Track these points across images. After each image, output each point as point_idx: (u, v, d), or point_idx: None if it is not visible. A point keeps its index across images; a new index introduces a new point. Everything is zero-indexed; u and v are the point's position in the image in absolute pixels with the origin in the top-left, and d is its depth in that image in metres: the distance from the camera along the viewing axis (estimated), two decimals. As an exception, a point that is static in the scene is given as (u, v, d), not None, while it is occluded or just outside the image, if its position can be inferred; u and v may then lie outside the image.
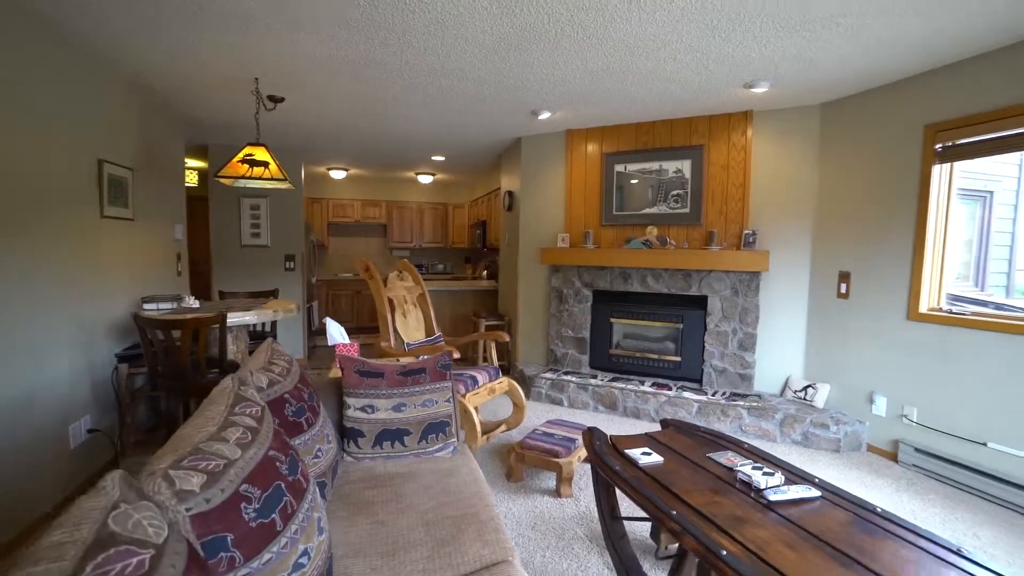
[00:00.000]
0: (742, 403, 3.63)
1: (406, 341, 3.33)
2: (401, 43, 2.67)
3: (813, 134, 3.66)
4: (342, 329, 2.79)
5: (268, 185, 3.14)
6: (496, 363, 3.50)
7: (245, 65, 2.97)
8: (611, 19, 2.38)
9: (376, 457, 1.95)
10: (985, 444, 2.71)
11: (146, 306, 3.07)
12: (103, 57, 2.83)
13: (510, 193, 5.14)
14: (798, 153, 3.71)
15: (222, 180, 3.06)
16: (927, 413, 2.99)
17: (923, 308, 3.02)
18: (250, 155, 3.08)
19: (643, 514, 2.23)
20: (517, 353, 4.97)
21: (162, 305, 3.12)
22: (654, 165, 4.19)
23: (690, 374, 4.16)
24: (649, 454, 1.97)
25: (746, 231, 3.82)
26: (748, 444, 2.09)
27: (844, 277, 3.48)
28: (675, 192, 4.13)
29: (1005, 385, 2.64)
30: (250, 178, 3.05)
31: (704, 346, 4.06)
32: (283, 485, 1.09)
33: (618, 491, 1.91)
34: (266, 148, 3.15)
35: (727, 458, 1.95)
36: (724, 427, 3.61)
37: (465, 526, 1.52)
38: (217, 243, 5.26)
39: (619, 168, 4.33)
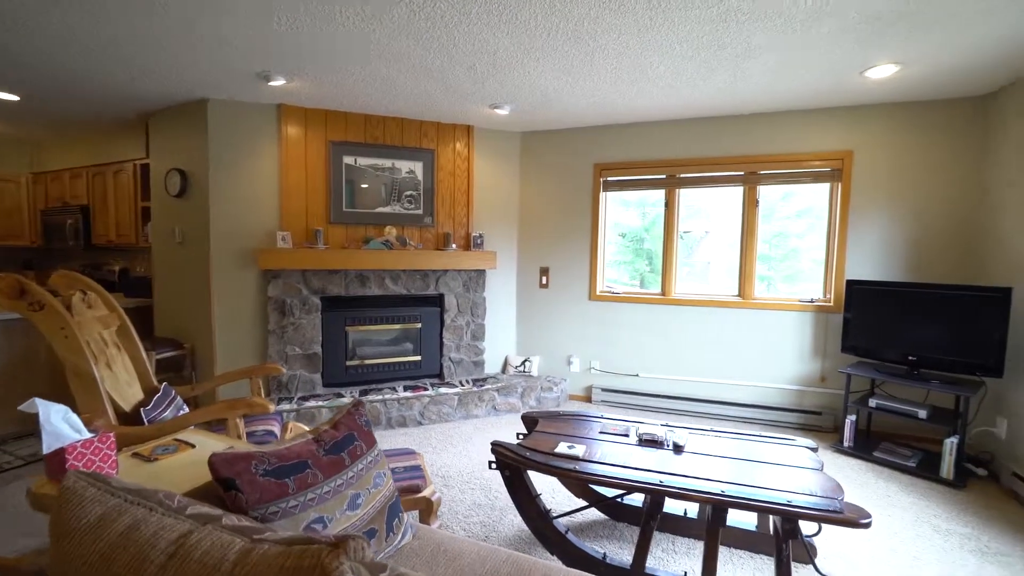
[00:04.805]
0: (490, 386, 4.12)
1: (128, 410, 2.00)
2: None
3: (515, 156, 4.48)
4: (73, 416, 1.39)
5: None
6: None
7: None
8: (474, 21, 2.25)
9: (337, 590, 1.24)
10: (638, 375, 4.24)
11: None
12: None
13: (182, 173, 3.67)
14: (506, 169, 4.46)
15: None
16: (605, 363, 4.34)
17: (598, 291, 4.35)
18: None
19: (575, 506, 2.35)
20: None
21: None
22: (387, 163, 4.03)
23: (430, 370, 4.31)
24: (572, 447, 2.12)
25: (474, 233, 4.28)
26: (600, 415, 2.56)
27: (544, 271, 4.50)
28: (409, 193, 4.12)
29: (641, 336, 4.21)
30: None
31: (443, 341, 4.30)
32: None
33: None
34: None
35: (612, 428, 2.34)
36: (482, 410, 4.01)
37: (561, 594, 1.28)
38: None
39: (348, 160, 3.91)
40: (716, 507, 1.70)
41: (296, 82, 3.18)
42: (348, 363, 4.04)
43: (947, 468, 2.92)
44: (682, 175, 4.03)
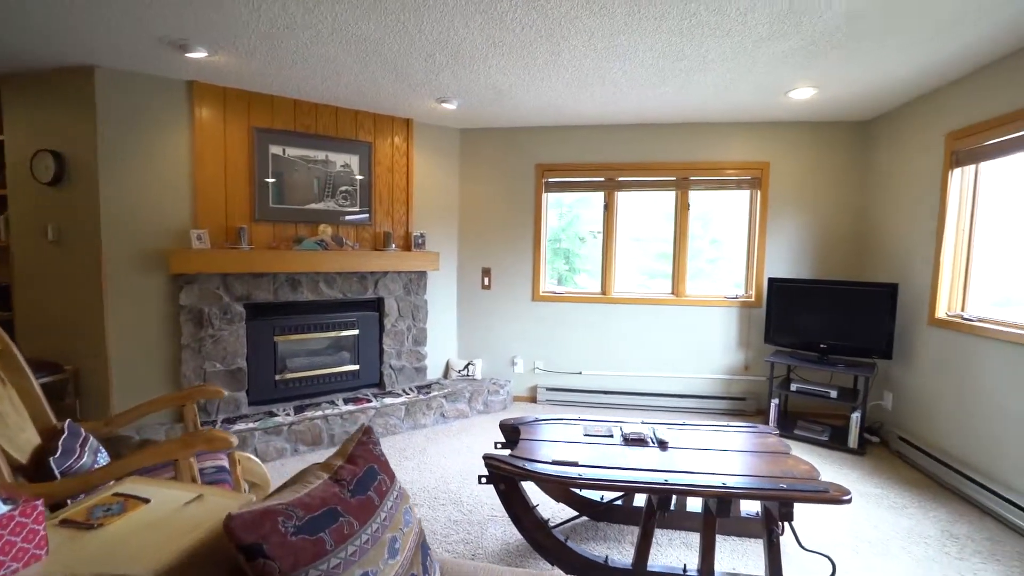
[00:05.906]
0: (437, 393, 3.94)
1: (24, 462, 1.57)
2: None
3: (455, 153, 4.33)
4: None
5: None
6: (203, 438, 2.21)
7: None
8: (450, 7, 2.10)
9: (384, 652, 1.08)
10: (581, 373, 4.34)
11: None
12: None
13: (57, 156, 2.98)
14: (445, 166, 4.29)
15: None
16: (549, 362, 4.38)
17: (541, 292, 4.36)
18: None
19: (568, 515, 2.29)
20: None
21: None
22: (320, 155, 3.66)
23: (369, 379, 4.02)
24: (564, 453, 2.08)
25: (415, 233, 4.06)
26: (578, 417, 2.56)
27: (486, 272, 4.41)
28: (344, 188, 3.79)
29: (585, 333, 4.31)
30: None
31: (383, 348, 4.03)
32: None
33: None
34: None
35: (595, 430, 2.35)
36: (430, 419, 3.82)
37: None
38: None
39: (275, 150, 3.48)
40: (721, 500, 1.78)
41: (221, 56, 2.75)
42: (278, 377, 3.62)
43: (853, 439, 3.38)
44: (621, 178, 4.19)
